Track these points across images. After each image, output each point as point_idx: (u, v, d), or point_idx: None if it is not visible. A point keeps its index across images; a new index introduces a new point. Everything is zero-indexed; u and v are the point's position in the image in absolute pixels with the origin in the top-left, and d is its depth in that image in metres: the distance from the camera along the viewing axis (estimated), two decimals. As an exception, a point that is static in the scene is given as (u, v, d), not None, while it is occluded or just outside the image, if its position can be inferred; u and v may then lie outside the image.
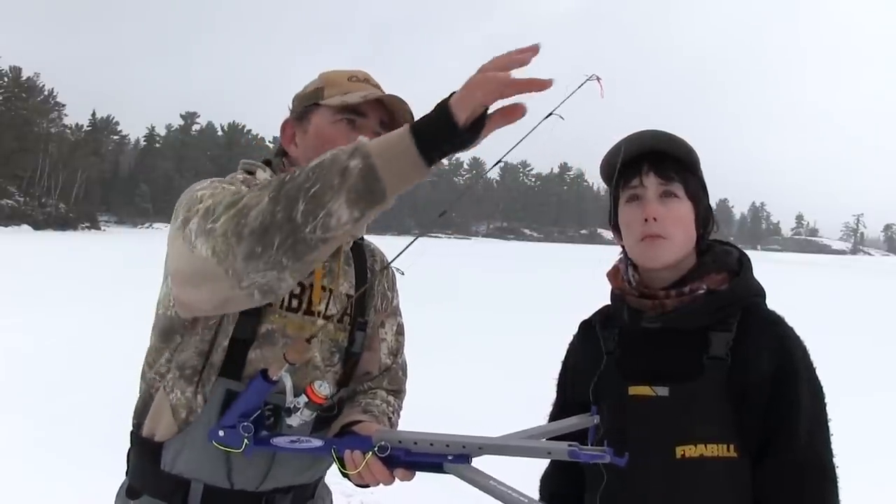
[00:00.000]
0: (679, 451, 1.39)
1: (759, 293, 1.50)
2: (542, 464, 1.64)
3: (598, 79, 1.30)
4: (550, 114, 1.29)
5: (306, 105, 1.57)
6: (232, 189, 1.33)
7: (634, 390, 1.45)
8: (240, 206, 1.15)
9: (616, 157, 1.49)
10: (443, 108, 1.07)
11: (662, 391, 1.42)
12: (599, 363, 1.53)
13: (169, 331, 1.44)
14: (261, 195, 1.14)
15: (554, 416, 1.66)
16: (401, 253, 1.37)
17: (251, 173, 1.57)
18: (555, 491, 1.63)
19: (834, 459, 1.40)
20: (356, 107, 1.52)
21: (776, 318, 1.46)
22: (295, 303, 1.51)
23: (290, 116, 1.61)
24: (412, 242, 1.27)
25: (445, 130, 1.07)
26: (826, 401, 1.43)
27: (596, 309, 1.66)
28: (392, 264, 1.48)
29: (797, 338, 1.44)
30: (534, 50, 1.05)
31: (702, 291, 1.45)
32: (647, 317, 1.47)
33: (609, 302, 1.59)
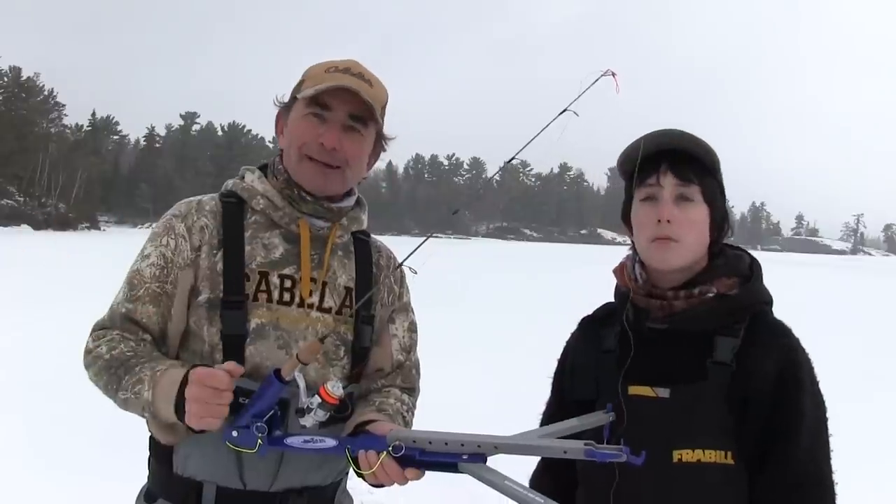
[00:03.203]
0: (676, 454, 1.37)
1: (768, 300, 1.48)
2: (535, 460, 1.63)
3: (613, 74, 1.28)
4: (565, 110, 1.33)
5: (290, 98, 1.56)
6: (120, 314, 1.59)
7: (634, 390, 1.43)
8: (92, 374, 1.50)
9: (635, 153, 1.46)
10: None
11: (663, 393, 1.41)
12: (600, 361, 1.51)
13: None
14: (97, 379, 1.48)
15: (549, 415, 1.63)
16: (413, 252, 1.36)
17: (243, 178, 1.59)
18: (541, 492, 1.61)
19: (833, 475, 1.38)
20: (320, 100, 1.49)
21: (784, 328, 1.45)
22: (287, 296, 1.50)
23: (279, 110, 1.60)
24: (423, 242, 1.33)
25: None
26: (828, 415, 1.41)
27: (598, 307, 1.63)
28: (405, 264, 1.45)
29: (803, 350, 1.42)
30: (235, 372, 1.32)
31: (711, 294, 1.43)
32: (653, 317, 1.46)
33: (612, 299, 1.58)
